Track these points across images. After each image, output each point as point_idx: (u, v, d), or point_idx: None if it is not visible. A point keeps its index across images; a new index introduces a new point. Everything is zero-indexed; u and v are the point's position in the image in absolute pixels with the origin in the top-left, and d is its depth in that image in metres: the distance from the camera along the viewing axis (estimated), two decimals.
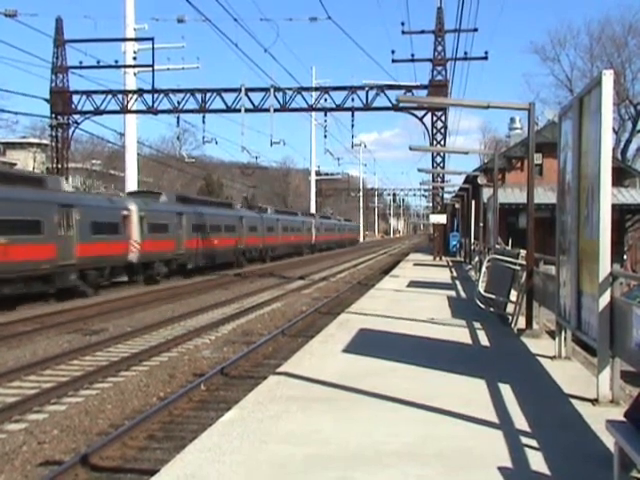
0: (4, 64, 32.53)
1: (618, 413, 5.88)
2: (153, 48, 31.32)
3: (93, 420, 8.96)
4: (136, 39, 34.72)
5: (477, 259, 22.17)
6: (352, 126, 35.27)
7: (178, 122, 35.13)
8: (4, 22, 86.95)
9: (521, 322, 10.81)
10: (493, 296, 12.57)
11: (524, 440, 5.28)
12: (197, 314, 19.19)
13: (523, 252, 11.27)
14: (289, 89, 32.90)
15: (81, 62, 32.91)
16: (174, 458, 4.98)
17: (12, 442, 7.96)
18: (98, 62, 32.55)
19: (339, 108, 33.44)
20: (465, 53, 31.92)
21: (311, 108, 34.90)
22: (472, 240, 28.58)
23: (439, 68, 33.31)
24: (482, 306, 12.77)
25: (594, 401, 6.35)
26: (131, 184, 36.27)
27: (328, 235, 67.91)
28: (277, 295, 24.41)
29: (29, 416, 9.08)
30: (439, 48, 33.51)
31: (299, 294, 25.51)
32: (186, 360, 12.95)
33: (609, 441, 4.44)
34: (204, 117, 34.21)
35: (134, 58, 34.06)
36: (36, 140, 54.66)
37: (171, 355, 13.45)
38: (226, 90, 33.34)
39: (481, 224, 24.40)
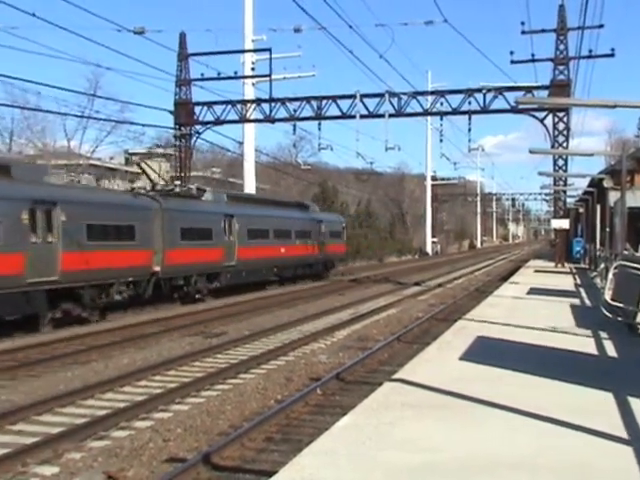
0: (132, 79, 34.36)
1: None
2: (270, 58, 32.05)
3: (214, 420, 9.24)
4: (254, 50, 35.66)
5: (603, 266, 21.14)
6: (469, 130, 34.23)
7: (294, 130, 35.69)
8: (133, 39, 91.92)
9: None
10: (621, 305, 11.94)
11: None
12: (313, 319, 19.43)
13: None
14: (404, 94, 32.66)
15: (203, 74, 34.17)
16: (291, 461, 5.05)
17: (140, 439, 8.35)
18: (218, 74, 33.66)
19: (455, 112, 32.80)
20: (590, 51, 30.54)
21: (426, 112, 34.44)
22: (597, 246, 27.28)
23: (561, 67, 32.01)
24: (609, 315, 12.16)
25: None
26: (249, 191, 37.30)
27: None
28: (392, 301, 24.30)
29: (155, 414, 9.50)
30: (561, 47, 32.19)
31: (415, 300, 25.28)
32: (302, 364, 13.12)
33: None
34: (320, 124, 34.55)
35: (252, 69, 35.00)
36: (161, 150, 57.26)
37: (288, 359, 13.67)
38: (341, 97, 33.54)
39: (607, 229, 23.28)
